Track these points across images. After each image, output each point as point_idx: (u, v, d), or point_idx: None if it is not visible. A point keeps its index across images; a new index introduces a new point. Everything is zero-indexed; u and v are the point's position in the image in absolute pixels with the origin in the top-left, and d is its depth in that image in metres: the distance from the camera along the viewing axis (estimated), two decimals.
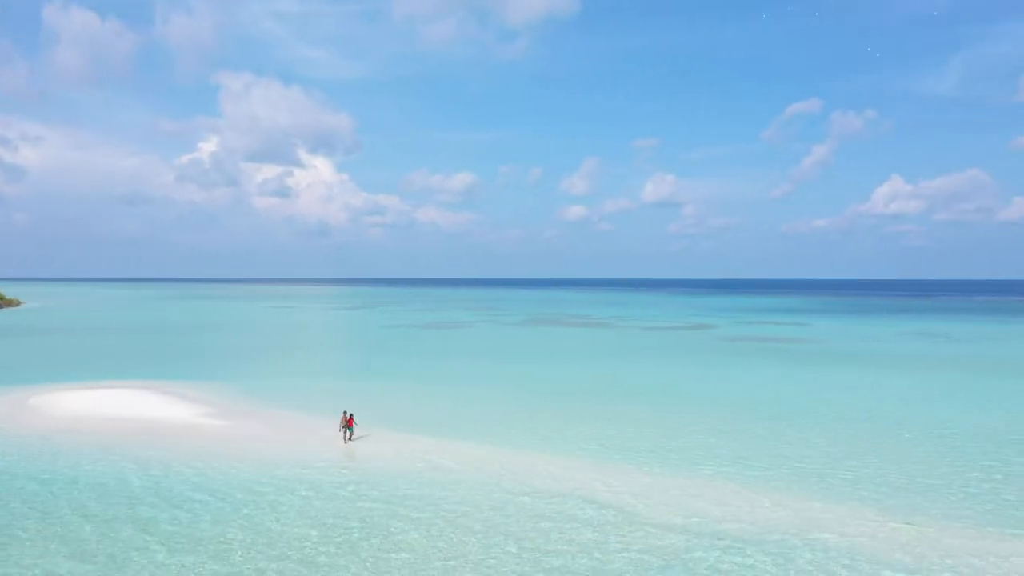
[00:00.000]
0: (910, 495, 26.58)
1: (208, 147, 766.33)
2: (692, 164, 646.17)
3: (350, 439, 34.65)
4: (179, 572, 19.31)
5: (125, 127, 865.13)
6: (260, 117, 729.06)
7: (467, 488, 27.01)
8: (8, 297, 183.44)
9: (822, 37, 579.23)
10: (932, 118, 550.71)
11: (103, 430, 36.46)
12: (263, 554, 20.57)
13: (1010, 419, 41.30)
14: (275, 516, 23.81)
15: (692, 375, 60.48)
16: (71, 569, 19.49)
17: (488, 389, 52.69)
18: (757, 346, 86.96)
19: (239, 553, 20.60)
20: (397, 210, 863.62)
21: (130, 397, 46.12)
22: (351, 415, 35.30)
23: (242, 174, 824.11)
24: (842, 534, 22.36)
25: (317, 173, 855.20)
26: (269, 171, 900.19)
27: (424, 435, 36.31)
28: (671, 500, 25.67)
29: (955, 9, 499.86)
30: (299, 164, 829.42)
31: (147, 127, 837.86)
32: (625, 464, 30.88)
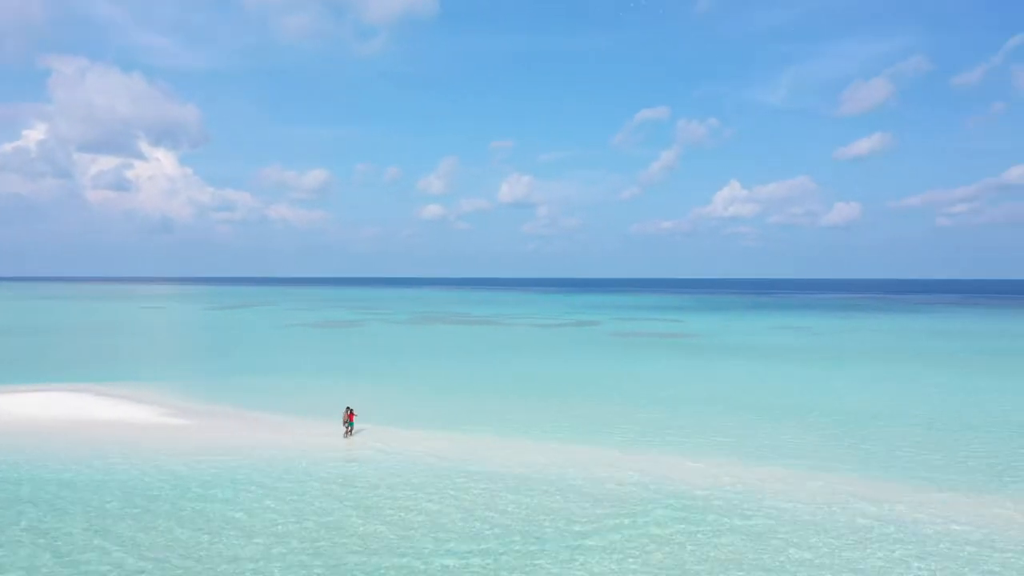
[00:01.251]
0: (784, 456, 31.51)
1: (35, 135, 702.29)
2: (547, 166, 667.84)
3: (350, 434, 35.32)
4: (202, 549, 20.32)
5: None
6: (96, 105, 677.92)
7: (440, 472, 29.17)
8: None
9: (671, 48, 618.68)
10: (767, 128, 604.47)
11: (64, 432, 35.30)
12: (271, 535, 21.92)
13: (870, 397, 48.19)
14: (292, 504, 24.99)
15: (604, 367, 64.92)
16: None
17: (405, 383, 54.33)
18: (653, 341, 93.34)
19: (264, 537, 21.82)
20: (247, 206, 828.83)
21: (75, 401, 44.15)
22: (351, 410, 35.94)
23: (75, 165, 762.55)
24: (738, 480, 26.59)
25: (159, 166, 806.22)
26: (105, 163, 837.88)
27: (395, 426, 37.85)
28: (601, 469, 29.07)
29: (786, 27, 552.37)
30: (140, 156, 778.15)
31: None
32: (593, 446, 34.04)
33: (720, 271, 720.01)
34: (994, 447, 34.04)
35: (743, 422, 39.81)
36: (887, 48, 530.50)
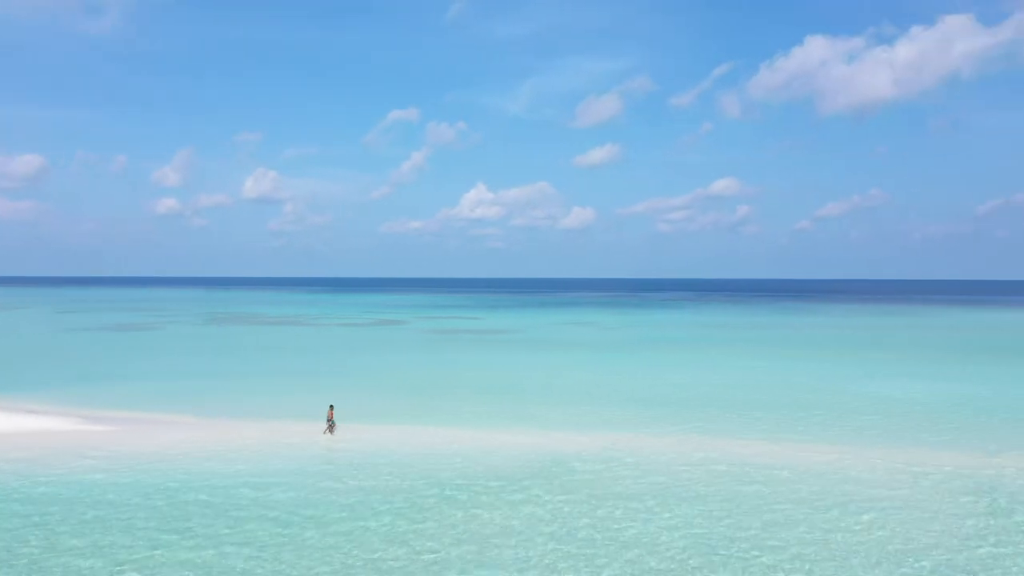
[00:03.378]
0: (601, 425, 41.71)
1: None
2: (294, 162, 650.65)
3: (330, 431, 36.76)
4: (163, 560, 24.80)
5: None
6: None
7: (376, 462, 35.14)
8: None
9: (423, 52, 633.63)
10: (511, 134, 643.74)
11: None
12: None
13: (677, 377, 60.48)
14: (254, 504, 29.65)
15: (449, 361, 71.82)
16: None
17: (277, 382, 57.63)
18: (478, 337, 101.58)
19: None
20: None
21: None
22: (331, 407, 37.73)
23: None
24: (579, 450, 36.03)
25: None
26: None
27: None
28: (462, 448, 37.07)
29: (526, 41, 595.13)
30: None
31: None
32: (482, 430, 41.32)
33: (467, 271, 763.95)
34: (776, 411, 45.84)
35: (598, 402, 48.86)
36: (616, 67, 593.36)
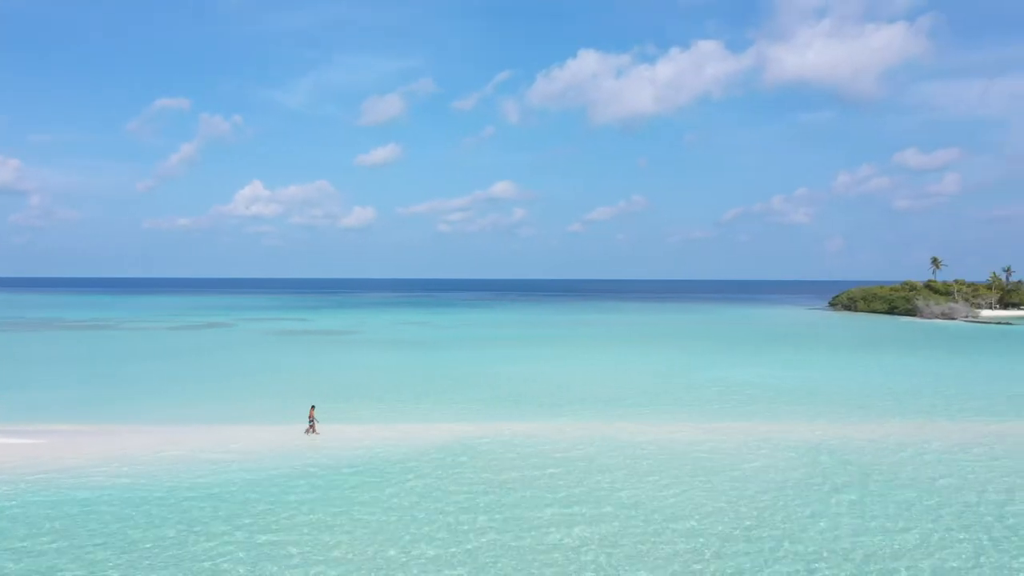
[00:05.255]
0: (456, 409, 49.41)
1: None
2: (42, 148, 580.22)
3: (312, 431, 38.57)
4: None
5: None
6: None
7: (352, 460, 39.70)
8: None
9: (196, 38, 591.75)
10: (289, 130, 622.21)
11: None
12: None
13: (524, 368, 68.73)
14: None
15: (316, 363, 74.59)
16: None
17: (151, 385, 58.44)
18: (317, 337, 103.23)
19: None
20: None
21: None
22: (313, 408, 39.86)
23: None
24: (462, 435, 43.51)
25: None
26: None
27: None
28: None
29: (307, 33, 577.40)
30: None
31: None
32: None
33: (242, 271, 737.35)
34: (637, 395, 54.82)
35: (470, 396, 55.10)
36: (400, 67, 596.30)
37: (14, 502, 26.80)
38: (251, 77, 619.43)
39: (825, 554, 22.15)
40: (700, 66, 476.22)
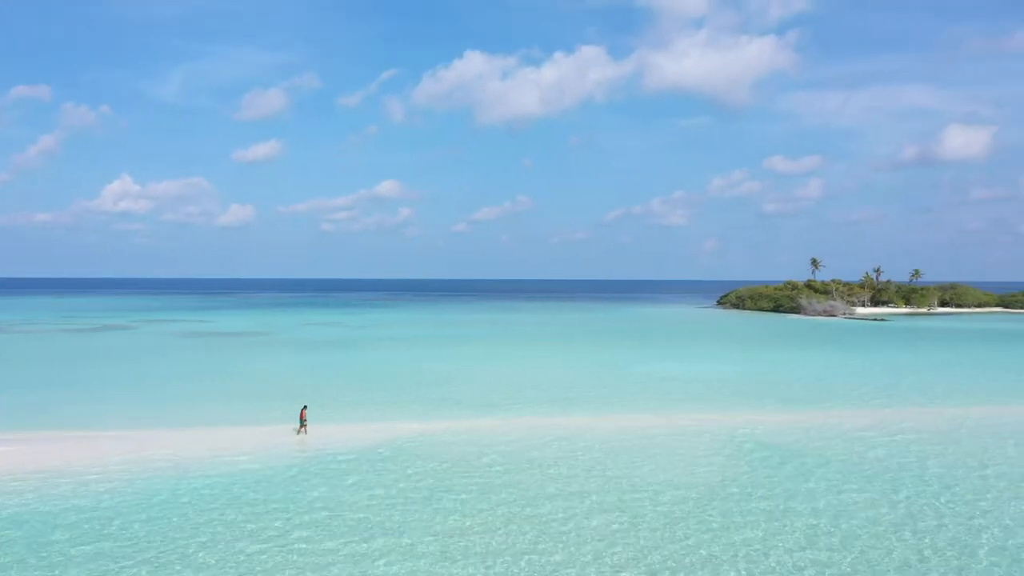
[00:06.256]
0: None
1: None
2: None
3: (302, 431, 38.84)
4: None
5: None
6: None
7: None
8: None
9: (59, 23, 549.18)
10: (162, 122, 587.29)
11: None
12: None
13: (447, 365, 70.49)
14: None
15: (235, 365, 73.37)
16: None
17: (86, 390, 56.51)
18: (229, 340, 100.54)
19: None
20: None
21: None
22: (304, 408, 39.90)
23: None
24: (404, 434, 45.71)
25: None
26: None
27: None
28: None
29: (181, 22, 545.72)
30: None
31: None
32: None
33: (110, 270, 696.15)
34: (573, 390, 57.46)
35: (411, 395, 56.34)
36: (282, 61, 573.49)
37: None
38: (119, 65, 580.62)
39: (774, 528, 25.27)
40: (584, 70, 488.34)
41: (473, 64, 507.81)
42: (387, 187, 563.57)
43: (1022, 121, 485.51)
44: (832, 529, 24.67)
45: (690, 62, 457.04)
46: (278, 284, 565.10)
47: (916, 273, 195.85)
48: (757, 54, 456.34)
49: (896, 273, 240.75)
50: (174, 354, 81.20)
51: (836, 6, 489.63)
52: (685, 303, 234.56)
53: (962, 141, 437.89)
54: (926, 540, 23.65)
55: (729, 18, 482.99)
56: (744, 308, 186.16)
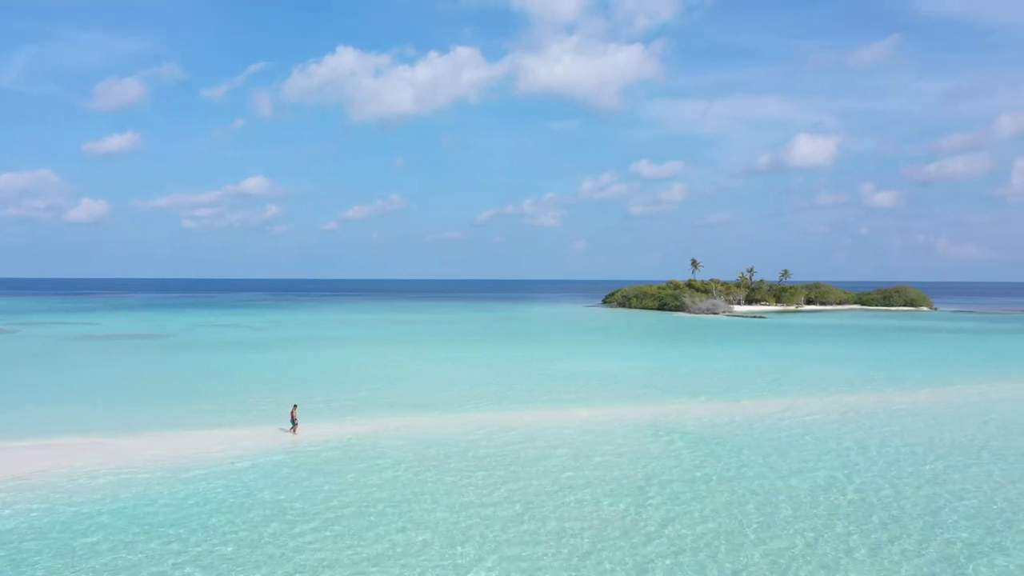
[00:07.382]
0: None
1: None
2: None
3: (294, 430, 39.37)
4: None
5: None
6: None
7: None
8: None
9: None
10: (3, 111, 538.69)
11: None
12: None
13: (358, 361, 72.46)
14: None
15: (142, 368, 71.93)
16: None
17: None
18: (129, 343, 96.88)
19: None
20: None
21: None
22: (295, 407, 40.63)
23: None
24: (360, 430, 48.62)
25: None
26: None
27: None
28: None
29: (20, 1, 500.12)
30: None
31: None
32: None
33: None
34: (502, 387, 60.64)
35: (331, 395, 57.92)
36: (140, 49, 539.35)
37: None
38: None
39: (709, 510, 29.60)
40: (458, 71, 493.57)
41: (346, 60, 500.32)
42: (254, 183, 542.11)
43: (864, 131, 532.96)
44: (773, 511, 29.09)
45: (561, 67, 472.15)
46: (135, 284, 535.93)
47: (785, 273, 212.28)
48: (625, 61, 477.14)
49: (765, 272, 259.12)
50: (84, 357, 77.89)
51: (698, 19, 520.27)
52: (569, 302, 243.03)
53: (810, 150, 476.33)
54: (844, 497, 28.52)
55: (599, 25, 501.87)
56: (630, 307, 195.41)
